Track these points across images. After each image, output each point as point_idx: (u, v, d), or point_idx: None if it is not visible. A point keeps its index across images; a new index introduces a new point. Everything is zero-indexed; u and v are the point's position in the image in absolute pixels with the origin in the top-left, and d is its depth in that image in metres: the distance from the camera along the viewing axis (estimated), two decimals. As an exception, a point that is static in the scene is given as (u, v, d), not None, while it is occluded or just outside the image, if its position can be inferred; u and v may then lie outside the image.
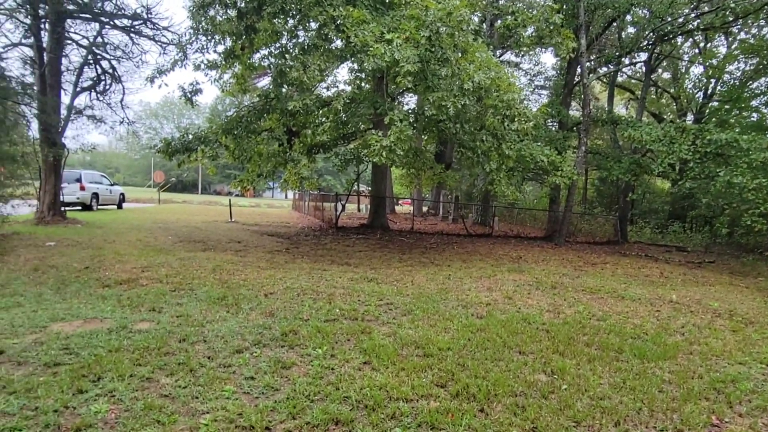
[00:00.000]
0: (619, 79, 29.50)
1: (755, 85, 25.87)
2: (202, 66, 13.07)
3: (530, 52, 26.88)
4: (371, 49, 9.33)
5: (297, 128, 14.05)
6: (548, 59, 71.40)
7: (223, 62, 13.25)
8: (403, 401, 3.95)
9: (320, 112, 13.32)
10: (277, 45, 12.75)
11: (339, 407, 3.77)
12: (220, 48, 13.10)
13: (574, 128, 22.10)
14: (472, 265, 11.81)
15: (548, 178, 15.85)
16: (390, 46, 9.37)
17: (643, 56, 24.96)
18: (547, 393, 4.27)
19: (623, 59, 23.78)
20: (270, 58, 13.20)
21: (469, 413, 3.79)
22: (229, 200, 27.24)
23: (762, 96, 25.68)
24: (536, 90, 32.34)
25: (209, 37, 12.50)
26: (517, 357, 5.19)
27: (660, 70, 30.13)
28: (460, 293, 8.28)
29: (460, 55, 10.47)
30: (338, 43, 12.79)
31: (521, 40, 15.89)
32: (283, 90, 13.28)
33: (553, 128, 22.75)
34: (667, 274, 13.11)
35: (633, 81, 31.63)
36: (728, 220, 18.75)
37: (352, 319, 6.27)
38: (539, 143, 15.22)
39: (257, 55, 13.48)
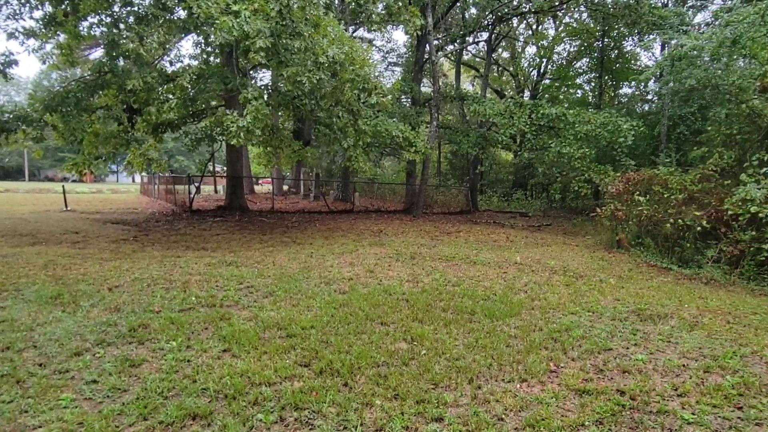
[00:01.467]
0: (465, 57, 31.22)
1: (579, 64, 28.92)
2: (17, 34, 11.38)
3: (382, 29, 27.32)
4: (217, 21, 8.78)
5: (139, 105, 12.86)
6: (400, 36, 73.29)
7: (43, 30, 11.65)
8: (265, 386, 3.84)
9: (164, 88, 12.32)
10: (109, 13, 11.50)
11: (196, 401, 3.56)
12: (38, 14, 11.50)
13: (426, 104, 23.01)
14: (335, 242, 11.86)
15: (404, 153, 16.38)
16: (238, 19, 8.89)
17: (485, 36, 26.59)
18: (407, 360, 4.42)
19: (467, 38, 25.13)
20: (101, 26, 11.87)
21: (333, 389, 3.79)
22: (63, 186, 24.43)
23: (584, 74, 28.80)
24: (390, 67, 33.07)
25: (23, 1, 10.89)
26: (379, 328, 5.30)
27: (500, 50, 32.38)
28: (323, 270, 8.27)
29: (312, 29, 10.27)
30: (181, 13, 11.88)
31: (372, 16, 16.03)
32: (120, 64, 12.05)
33: (407, 104, 23.49)
34: (512, 238, 14.30)
35: (477, 59, 33.66)
36: (560, 187, 20.93)
37: (209, 306, 5.97)
38: (394, 119, 15.63)
39: (85, 23, 12.04)
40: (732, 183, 10.18)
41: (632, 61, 26.90)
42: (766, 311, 6.67)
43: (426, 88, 28.42)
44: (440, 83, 20.85)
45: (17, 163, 67.34)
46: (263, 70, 20.94)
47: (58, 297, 6.11)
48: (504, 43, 30.79)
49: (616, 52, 26.16)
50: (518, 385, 4.02)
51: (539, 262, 9.91)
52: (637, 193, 11.91)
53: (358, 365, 4.25)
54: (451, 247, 11.66)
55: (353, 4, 16.29)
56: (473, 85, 38.83)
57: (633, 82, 26.11)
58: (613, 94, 28.30)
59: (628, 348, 4.96)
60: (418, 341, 4.92)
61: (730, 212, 9.33)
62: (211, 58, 13.47)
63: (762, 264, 9.01)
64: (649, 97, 26.29)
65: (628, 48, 26.55)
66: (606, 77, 26.56)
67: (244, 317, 5.54)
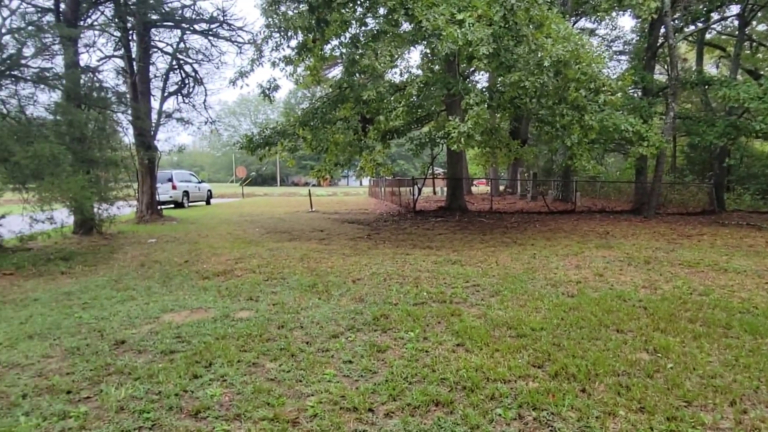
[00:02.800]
0: (708, 36, 27.34)
1: None
2: (278, 62, 13.46)
3: (607, 17, 25.50)
4: (444, 33, 9.21)
5: (371, 115, 14.18)
6: (626, 22, 67.34)
7: (297, 56, 13.58)
8: (500, 382, 3.95)
9: (393, 97, 13.36)
10: (347, 34, 12.89)
11: (437, 389, 3.83)
12: (293, 43, 13.44)
13: (660, 93, 20.81)
14: (557, 243, 11.49)
15: (633, 148, 15.08)
16: (462, 28, 9.21)
17: (735, 9, 22.96)
18: (651, 372, 4.12)
19: (712, 14, 22.01)
20: (341, 47, 13.38)
21: (571, 393, 3.73)
22: (309, 190, 28.00)
23: None
24: (614, 56, 30.66)
25: (282, 34, 12.84)
26: (614, 335, 5.03)
27: (755, 23, 27.60)
28: (548, 272, 8.11)
29: (535, 29, 10.12)
30: (406, 26, 12.74)
31: (598, 4, 15.08)
32: (355, 78, 13.43)
33: (636, 95, 21.54)
34: (775, 243, 12.15)
35: (723, 37, 29.21)
36: None
37: (440, 301, 6.32)
38: (622, 112, 14.49)
39: (328, 47, 13.71)
40: None
41: None
42: None
43: (659, 75, 25.69)
44: (678, 69, 18.66)
45: (271, 170, 79.39)
46: (482, 72, 21.22)
47: (314, 286, 7.10)
48: (760, 14, 26.17)
49: None
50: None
51: (816, 273, 8.27)
52: None
53: (595, 372, 4.10)
54: (693, 252, 10.40)
55: (576, -6, 15.55)
56: (718, 66, 33.82)
57: None
58: None
59: None
60: (663, 353, 4.54)
61: None
62: (436, 67, 14.16)
63: None
64: None
65: None
66: None
67: (474, 314, 5.74)
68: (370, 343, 4.80)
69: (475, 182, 47.75)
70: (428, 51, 12.70)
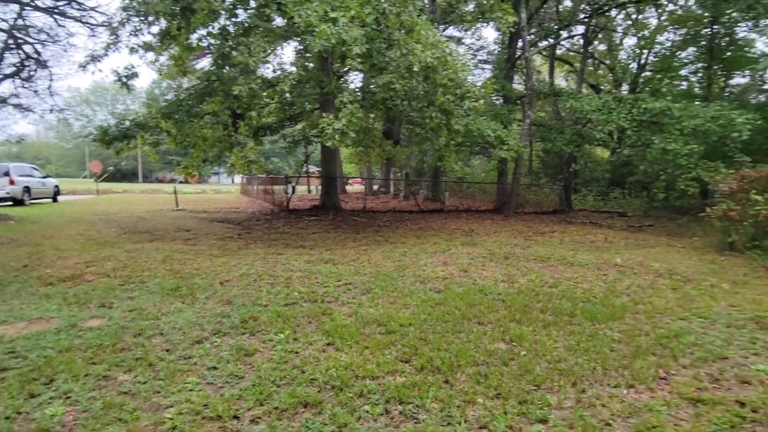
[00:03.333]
0: (559, 51, 30.18)
1: (684, 54, 27.00)
2: (137, 48, 12.48)
3: (472, 27, 27.07)
4: (317, 30, 9.16)
5: (242, 110, 13.69)
6: (490, 33, 72.16)
7: (159, 44, 12.70)
8: (369, 379, 4.00)
9: (265, 93, 13.01)
10: (216, 25, 12.32)
11: (306, 390, 3.79)
12: (155, 29, 12.55)
13: (518, 101, 22.54)
14: (427, 241, 11.96)
15: (495, 151, 16.16)
16: (336, 27, 9.22)
17: (581, 29, 25.60)
18: (507, 360, 4.42)
19: (562, 32, 24.33)
20: (209, 38, 12.75)
21: (435, 385, 3.88)
22: (174, 188, 26.42)
23: (690, 65, 26.87)
24: (479, 64, 32.69)
25: (142, 18, 11.94)
26: (476, 328, 5.33)
27: (596, 42, 30.98)
28: (417, 269, 8.40)
29: (405, 34, 10.43)
30: (279, 20, 12.49)
31: (463, 15, 15.95)
32: (225, 71, 12.89)
33: (498, 102, 23.12)
34: (611, 238, 13.69)
35: (571, 53, 32.43)
36: (664, 185, 19.72)
37: (311, 301, 6.27)
38: (485, 117, 15.47)
39: (195, 36, 12.99)
40: None
41: (747, 49, 24.71)
42: None
43: (518, 85, 27.83)
44: (533, 80, 20.35)
45: (132, 166, 73.67)
46: (355, 72, 21.47)
47: (177, 289, 6.69)
48: (601, 36, 29.45)
49: (727, 39, 24.15)
50: (625, 391, 3.90)
51: (642, 264, 9.44)
52: (754, 191, 10.99)
53: (457, 363, 4.31)
54: (546, 248, 11.39)
55: (444, 4, 16.30)
56: (567, 80, 37.44)
57: (747, 72, 23.98)
58: (723, 85, 26.15)
59: (747, 357, 4.64)
60: (517, 342, 4.89)
61: None
62: (311, 64, 14.03)
63: None
64: (767, 86, 24.07)
65: (742, 34, 24.43)
66: (715, 67, 24.61)
67: (345, 313, 5.77)
68: (237, 347, 4.62)
69: (350, 181, 48.23)
70: (302, 47, 12.55)
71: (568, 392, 3.86)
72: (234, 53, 11.22)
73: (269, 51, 12.41)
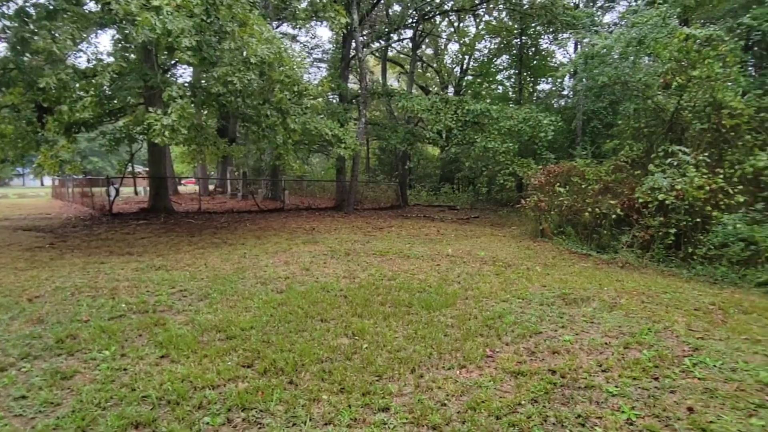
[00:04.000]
0: (390, 53, 31.54)
1: (499, 61, 29.96)
2: None
3: (306, 25, 27.09)
4: (138, 19, 8.40)
5: (49, 104, 12.05)
6: (325, 33, 72.87)
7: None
8: (209, 389, 3.79)
9: (79, 85, 11.62)
10: (11, 5, 10.71)
11: (138, 409, 3.47)
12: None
13: (354, 101, 23.10)
14: (267, 241, 11.71)
15: (333, 150, 16.37)
16: (160, 16, 8.55)
17: (409, 33, 26.98)
18: (350, 354, 4.49)
19: (392, 35, 25.41)
20: (3, 19, 11.02)
21: (279, 387, 3.80)
22: (-35, 193, 22.52)
23: (504, 71, 29.90)
24: (315, 63, 32.85)
25: None
26: (320, 325, 5.34)
27: (424, 47, 32.95)
28: (258, 270, 8.18)
29: (238, 27, 10.04)
30: (92, 5, 11.27)
31: (296, 13, 15.88)
32: (26, 59, 11.25)
33: (334, 101, 23.48)
34: (443, 231, 14.68)
35: (402, 56, 34.07)
36: (486, 180, 21.70)
37: (142, 312, 5.76)
38: (322, 116, 15.59)
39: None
40: (641, 173, 10.96)
41: (549, 59, 28.20)
42: (675, 290, 7.28)
43: (353, 84, 28.51)
44: (367, 80, 21.00)
45: None
46: (184, 66, 20.22)
47: (-30, 311, 5.69)
48: (428, 40, 31.38)
49: (533, 49, 27.33)
50: (458, 372, 4.20)
51: (470, 254, 10.26)
52: (558, 184, 12.57)
53: (301, 362, 4.28)
54: (384, 242, 11.83)
55: (277, 0, 16.07)
56: (399, 81, 39.27)
57: (550, 79, 27.38)
58: (532, 90, 29.55)
59: (556, 330, 5.28)
60: (360, 335, 5.00)
61: (640, 200, 10.05)
62: (132, 56, 12.86)
63: (670, 247, 9.79)
64: (565, 92, 27.69)
65: (545, 46, 27.82)
66: (525, 74, 27.70)
67: (180, 322, 5.40)
68: (51, 370, 4.08)
69: (183, 181, 45.39)
70: (121, 37, 11.42)
71: (408, 379, 4.04)
72: (35, 38, 9.82)
73: (80, 39, 11.08)
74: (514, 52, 27.52)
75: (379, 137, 23.94)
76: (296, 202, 25.50)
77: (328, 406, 3.55)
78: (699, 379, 4.07)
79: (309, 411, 3.48)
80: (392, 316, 5.69)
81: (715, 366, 4.32)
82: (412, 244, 11.61)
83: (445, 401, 3.67)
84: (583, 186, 12.02)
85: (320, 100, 11.64)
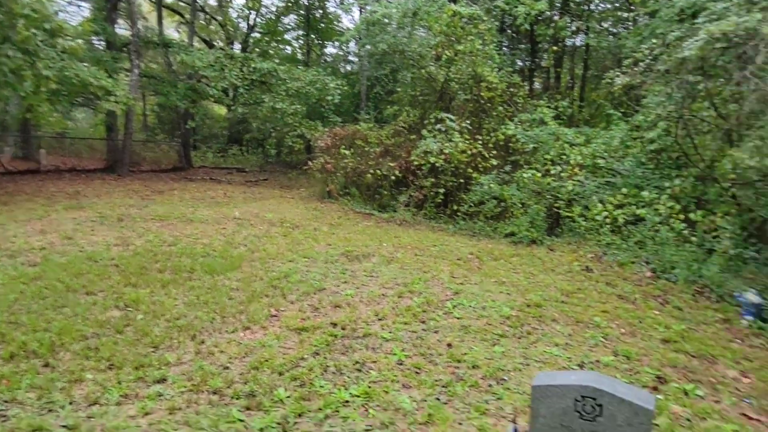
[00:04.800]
0: (168, 0, 28.78)
1: (287, 20, 29.48)
2: None
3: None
4: None
5: None
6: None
7: None
8: (-69, 386, 3.13)
9: None
10: None
11: None
12: None
13: (124, 48, 20.63)
14: (17, 207, 9.99)
15: (101, 103, 14.52)
16: None
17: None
18: (122, 327, 4.12)
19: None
20: None
21: (31, 372, 3.33)
22: None
23: (292, 31, 29.57)
24: (74, 1, 28.37)
25: None
26: (84, 299, 4.77)
27: (207, -3, 30.79)
28: (4, 242, 6.94)
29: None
30: None
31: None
32: None
33: (100, 47, 20.68)
34: (230, 194, 14.20)
35: (182, 4, 31.35)
36: (275, 142, 21.47)
37: None
38: (86, 64, 13.63)
39: None
40: (417, 138, 11.92)
41: (336, 22, 28.61)
42: (442, 243, 8.17)
43: (123, 30, 25.41)
44: (139, 26, 18.90)
45: None
46: None
47: None
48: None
49: (321, 11, 27.44)
50: (242, 334, 4.15)
51: (258, 216, 10.12)
52: (343, 147, 13.01)
53: (60, 342, 3.79)
54: (165, 206, 10.99)
55: None
56: (179, 32, 36.18)
57: (337, 43, 27.87)
58: (319, 53, 29.78)
59: (338, 286, 5.53)
60: (134, 306, 4.61)
61: (415, 163, 10.96)
62: None
63: (439, 205, 10.94)
64: (351, 57, 28.51)
65: (332, 9, 28.16)
66: (312, 36, 27.74)
67: None
68: None
69: None
70: None
71: (188, 347, 3.86)
72: None
73: None
74: (302, 12, 27.31)
75: (157, 92, 21.85)
76: (57, 162, 22.09)
77: (93, 385, 3.21)
78: (457, 318, 4.66)
79: (69, 394, 3.11)
80: (172, 283, 5.35)
81: (470, 306, 4.98)
82: (196, 208, 11.01)
83: (228, 364, 3.60)
84: (366, 149, 12.64)
85: (80, 42, 10.08)
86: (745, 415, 3.40)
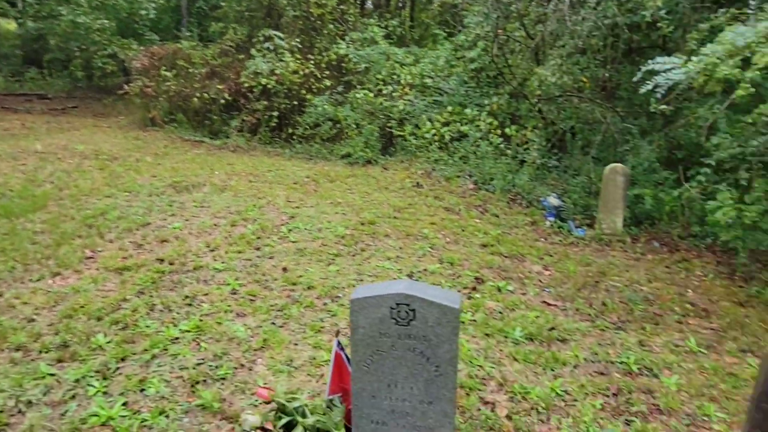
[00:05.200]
0: None
1: None
2: None
3: None
4: None
5: None
6: None
7: None
8: None
9: None
10: None
11: None
12: None
13: None
14: None
15: None
16: None
17: None
18: None
19: None
20: None
21: None
22: None
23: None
24: None
25: None
26: None
27: None
28: None
29: None
30: None
31: None
32: None
33: None
34: (30, 124, 12.31)
35: None
36: (83, 63, 18.81)
37: None
38: None
39: None
40: (246, 57, 11.20)
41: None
42: (278, 168, 7.99)
43: None
44: None
45: None
46: None
47: None
48: None
49: None
50: (50, 281, 3.71)
51: (66, 149, 8.91)
52: (164, 68, 11.81)
53: None
54: (-58, 142, 9.20)
55: None
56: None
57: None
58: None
59: (165, 219, 5.16)
60: None
61: (246, 85, 10.36)
62: None
63: (274, 129, 10.58)
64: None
65: None
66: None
67: None
68: None
69: None
70: None
71: (-19, 303, 3.35)
72: None
73: None
74: None
75: None
76: None
77: None
78: (293, 242, 4.64)
79: None
80: (-45, 231, 4.56)
81: (305, 229, 4.98)
82: (-14, 142, 9.38)
83: (34, 316, 3.21)
84: (190, 70, 11.60)
85: None
86: (545, 302, 3.93)
